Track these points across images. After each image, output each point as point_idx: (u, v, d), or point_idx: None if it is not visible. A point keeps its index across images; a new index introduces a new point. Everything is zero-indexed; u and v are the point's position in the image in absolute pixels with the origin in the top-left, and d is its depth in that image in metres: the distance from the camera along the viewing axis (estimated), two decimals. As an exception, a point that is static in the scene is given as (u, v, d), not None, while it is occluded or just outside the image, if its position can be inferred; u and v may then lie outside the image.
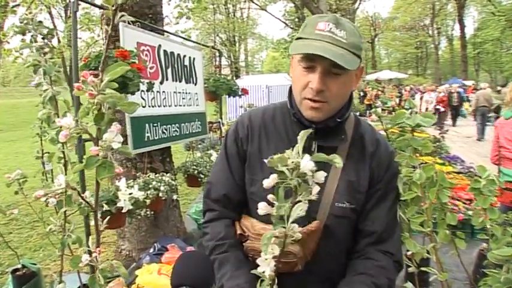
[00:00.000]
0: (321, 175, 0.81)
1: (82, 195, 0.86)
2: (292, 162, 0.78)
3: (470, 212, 4.16)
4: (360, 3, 41.75)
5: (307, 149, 1.32)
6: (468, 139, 14.18)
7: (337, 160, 0.85)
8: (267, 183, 0.82)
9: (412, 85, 31.16)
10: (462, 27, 43.56)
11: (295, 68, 1.32)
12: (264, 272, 0.89)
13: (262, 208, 0.85)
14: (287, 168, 0.77)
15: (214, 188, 1.49)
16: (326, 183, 1.31)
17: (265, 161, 0.85)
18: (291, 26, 42.79)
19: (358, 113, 16.35)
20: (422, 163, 1.21)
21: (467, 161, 7.92)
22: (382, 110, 19.25)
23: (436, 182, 1.13)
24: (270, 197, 0.85)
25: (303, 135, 0.86)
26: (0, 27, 14.66)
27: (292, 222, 0.83)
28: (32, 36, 1.44)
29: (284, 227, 0.82)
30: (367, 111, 18.40)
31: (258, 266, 0.93)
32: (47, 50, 1.36)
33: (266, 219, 1.26)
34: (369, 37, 55.66)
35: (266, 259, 0.87)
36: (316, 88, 1.22)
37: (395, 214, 1.39)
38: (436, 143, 8.67)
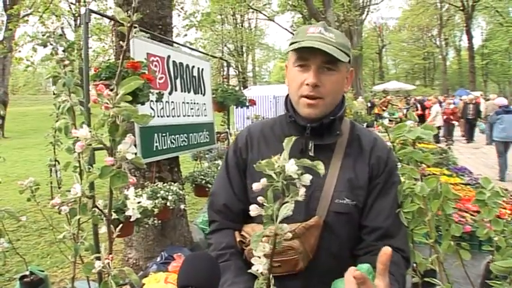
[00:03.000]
0: (307, 178, 0.86)
1: (96, 203, 0.89)
2: (278, 166, 0.82)
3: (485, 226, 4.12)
4: (367, 14, 41.93)
5: (304, 149, 1.40)
6: (476, 150, 14.10)
7: (320, 167, 0.90)
8: (256, 186, 0.88)
9: (414, 97, 30.95)
10: (470, 37, 43.48)
11: (290, 71, 1.41)
12: (258, 270, 0.92)
13: (253, 210, 0.89)
14: (274, 172, 0.81)
15: (215, 199, 1.56)
16: (325, 180, 1.36)
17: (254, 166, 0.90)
18: (299, 37, 42.99)
19: (365, 124, 16.31)
20: (426, 175, 1.23)
21: (475, 173, 7.88)
22: (390, 121, 19.21)
23: (441, 193, 1.14)
24: (260, 199, 0.89)
25: (287, 142, 0.91)
26: (12, 36, 14.87)
27: (282, 221, 0.88)
28: (53, 48, 1.49)
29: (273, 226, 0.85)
30: (375, 122, 18.28)
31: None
32: (67, 62, 1.41)
33: None
34: (377, 48, 55.73)
35: (259, 257, 0.91)
36: (311, 82, 1.31)
37: (396, 208, 1.41)
38: (442, 155, 8.63)
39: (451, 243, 1.24)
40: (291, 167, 0.83)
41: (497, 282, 1.12)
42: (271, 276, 0.95)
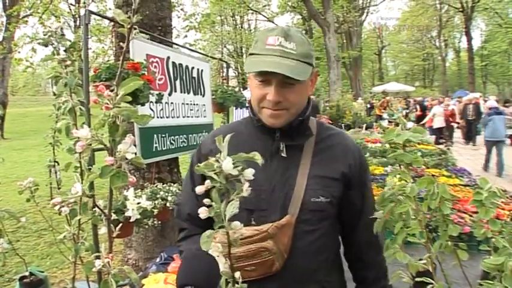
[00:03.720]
0: (249, 172, 0.88)
1: (96, 203, 0.90)
2: (217, 166, 0.83)
3: (483, 226, 4.13)
4: (366, 15, 41.98)
5: (275, 150, 1.41)
6: (475, 151, 14.11)
7: (257, 157, 0.92)
8: (199, 189, 0.87)
9: (414, 98, 30.96)
10: (469, 39, 43.52)
11: (251, 80, 1.38)
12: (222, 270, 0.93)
13: (202, 212, 0.89)
14: (214, 173, 0.82)
15: (182, 208, 1.55)
16: (296, 179, 1.38)
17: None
18: (298, 38, 43.02)
19: (364, 125, 16.32)
20: (420, 176, 1.24)
21: (474, 174, 7.89)
22: (389, 122, 19.21)
23: (438, 194, 1.15)
24: (206, 200, 0.89)
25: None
26: (11, 37, 14.88)
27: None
28: (54, 48, 1.50)
29: (223, 226, 0.86)
30: (374, 123, 18.30)
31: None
32: (68, 62, 1.42)
33: (244, 224, 1.38)
34: (376, 49, 55.78)
35: (218, 256, 0.91)
36: (273, 100, 1.29)
37: (374, 203, 1.49)
38: (441, 156, 8.65)
39: (449, 243, 1.24)
40: (227, 164, 0.83)
41: (490, 282, 1.12)
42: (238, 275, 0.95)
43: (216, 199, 0.84)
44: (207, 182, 0.88)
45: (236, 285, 0.91)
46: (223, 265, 0.96)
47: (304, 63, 1.30)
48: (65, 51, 1.48)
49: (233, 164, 0.81)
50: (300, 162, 1.40)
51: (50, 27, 1.51)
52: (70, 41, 1.50)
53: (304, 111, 1.43)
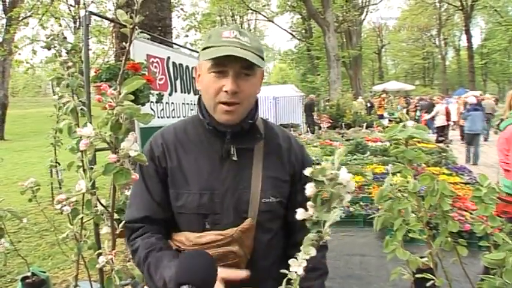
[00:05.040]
0: (352, 185, 0.86)
1: (100, 200, 0.91)
2: (332, 173, 0.82)
3: (483, 223, 4.14)
4: (366, 15, 41.98)
5: (226, 154, 1.40)
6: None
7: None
8: (309, 192, 0.86)
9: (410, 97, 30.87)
10: (469, 37, 43.47)
11: (204, 76, 1.37)
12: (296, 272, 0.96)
13: (300, 214, 0.88)
14: (326, 179, 0.82)
15: (135, 211, 1.44)
16: (251, 181, 1.39)
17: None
18: (298, 38, 43.09)
19: (365, 124, 16.31)
20: (418, 175, 1.25)
21: (474, 172, 7.89)
22: (390, 121, 19.21)
23: (438, 190, 1.16)
24: (310, 204, 0.88)
25: (341, 152, 0.90)
26: (12, 38, 14.90)
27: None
28: (56, 51, 1.51)
29: (320, 231, 0.86)
30: (374, 122, 18.23)
31: None
32: (70, 64, 1.43)
33: (197, 229, 1.36)
34: (376, 48, 55.77)
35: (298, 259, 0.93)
36: (231, 89, 1.29)
37: None
38: (441, 154, 8.65)
39: (448, 239, 1.26)
40: (344, 174, 0.84)
41: (491, 276, 1.13)
42: None
43: (319, 204, 0.84)
44: (312, 184, 0.87)
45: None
46: None
47: (258, 56, 1.33)
48: (67, 53, 1.49)
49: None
50: (253, 165, 1.41)
51: (52, 30, 1.53)
52: (71, 43, 1.52)
53: (253, 112, 1.44)
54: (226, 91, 1.30)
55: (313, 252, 0.92)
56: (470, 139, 11.70)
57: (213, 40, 1.34)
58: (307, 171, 0.85)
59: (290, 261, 0.99)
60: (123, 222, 1.43)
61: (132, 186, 1.51)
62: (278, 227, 1.48)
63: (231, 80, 1.30)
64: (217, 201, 1.37)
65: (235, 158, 1.39)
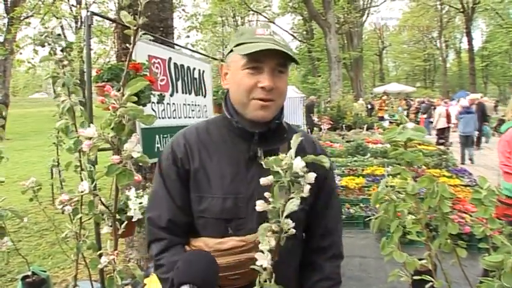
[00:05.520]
0: (312, 176, 0.89)
1: (102, 200, 0.92)
2: (286, 163, 0.83)
3: (482, 226, 4.15)
4: (367, 16, 41.99)
5: (253, 156, 1.36)
6: (475, 152, 14.06)
7: (325, 160, 0.95)
8: (263, 181, 0.87)
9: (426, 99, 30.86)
10: (470, 39, 43.43)
11: (237, 73, 1.34)
12: (262, 265, 0.93)
13: (259, 205, 0.90)
14: (281, 169, 0.83)
15: (157, 215, 1.40)
16: None
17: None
18: (299, 39, 43.08)
19: (365, 126, 16.31)
20: (418, 177, 1.26)
21: (474, 174, 7.89)
22: (390, 123, 19.20)
23: (437, 192, 1.17)
24: (267, 194, 0.89)
25: (295, 140, 0.95)
26: (13, 38, 14.90)
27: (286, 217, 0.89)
28: (51, 49, 1.50)
29: (279, 221, 0.87)
30: (375, 124, 18.20)
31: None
32: (66, 62, 1.42)
33: (218, 234, 1.32)
34: (377, 50, 55.76)
35: (263, 252, 0.93)
36: (268, 86, 1.28)
37: (340, 209, 1.58)
38: (441, 156, 8.66)
39: (448, 241, 1.26)
40: (298, 163, 0.86)
41: (489, 279, 1.14)
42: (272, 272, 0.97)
43: (276, 194, 0.85)
44: (270, 176, 0.87)
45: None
46: (267, 260, 1.00)
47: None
48: (61, 51, 1.49)
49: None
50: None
51: (46, 28, 1.52)
52: (66, 40, 1.51)
53: (279, 113, 1.42)
54: (262, 87, 1.29)
55: (272, 242, 0.93)
56: (464, 140, 12.29)
57: (247, 37, 1.33)
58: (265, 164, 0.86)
59: (256, 255, 1.01)
60: (146, 218, 1.42)
61: (153, 185, 1.49)
62: (299, 235, 1.44)
63: (267, 76, 1.29)
64: (241, 206, 1.34)
65: (262, 161, 1.35)
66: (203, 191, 1.36)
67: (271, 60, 1.29)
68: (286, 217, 0.90)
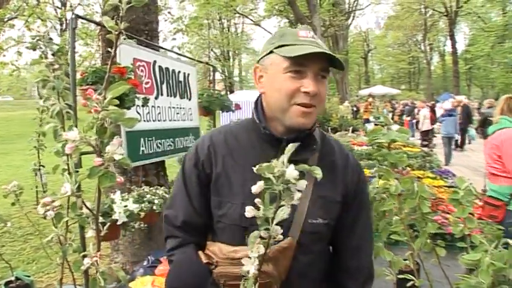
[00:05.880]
0: (303, 183, 0.87)
1: (85, 203, 0.93)
2: (279, 170, 0.83)
3: (461, 225, 4.22)
4: (353, 19, 42.34)
5: None
6: (459, 153, 14.30)
7: (318, 171, 0.91)
8: (255, 189, 0.87)
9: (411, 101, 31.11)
10: (453, 43, 44.10)
11: (277, 76, 1.27)
12: (248, 271, 0.93)
13: (248, 211, 0.90)
14: (273, 176, 0.83)
15: (173, 214, 1.43)
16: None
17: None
18: (285, 41, 43.13)
19: (351, 128, 16.43)
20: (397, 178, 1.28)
21: (458, 175, 8.00)
22: (375, 125, 19.31)
23: (417, 193, 1.19)
24: (257, 201, 0.89)
25: (290, 148, 0.91)
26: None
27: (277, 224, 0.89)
28: (42, 52, 1.50)
29: (268, 228, 0.87)
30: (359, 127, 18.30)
31: None
32: (56, 66, 1.42)
33: (234, 241, 1.28)
34: (362, 52, 56.24)
35: (251, 258, 0.92)
36: (313, 91, 1.21)
37: (371, 227, 1.46)
38: (425, 158, 8.76)
39: (428, 241, 1.29)
40: (292, 171, 0.84)
41: (467, 276, 1.17)
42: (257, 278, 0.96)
43: (267, 201, 0.85)
44: (261, 182, 0.86)
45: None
46: (254, 267, 0.96)
47: None
48: (53, 55, 1.49)
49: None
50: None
51: (38, 31, 1.52)
52: (58, 45, 1.51)
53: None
54: (306, 92, 1.22)
55: (261, 250, 0.94)
56: (446, 141, 12.79)
57: (289, 39, 1.26)
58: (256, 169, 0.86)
59: (243, 261, 0.99)
60: (164, 215, 1.43)
61: (175, 183, 1.49)
62: (321, 249, 1.40)
63: (311, 81, 1.22)
64: None
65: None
66: (223, 196, 1.34)
67: (315, 64, 1.23)
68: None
